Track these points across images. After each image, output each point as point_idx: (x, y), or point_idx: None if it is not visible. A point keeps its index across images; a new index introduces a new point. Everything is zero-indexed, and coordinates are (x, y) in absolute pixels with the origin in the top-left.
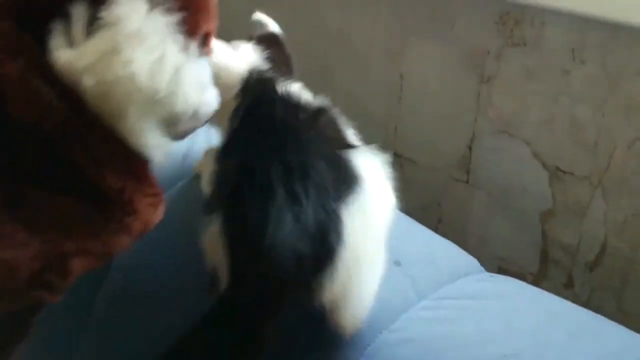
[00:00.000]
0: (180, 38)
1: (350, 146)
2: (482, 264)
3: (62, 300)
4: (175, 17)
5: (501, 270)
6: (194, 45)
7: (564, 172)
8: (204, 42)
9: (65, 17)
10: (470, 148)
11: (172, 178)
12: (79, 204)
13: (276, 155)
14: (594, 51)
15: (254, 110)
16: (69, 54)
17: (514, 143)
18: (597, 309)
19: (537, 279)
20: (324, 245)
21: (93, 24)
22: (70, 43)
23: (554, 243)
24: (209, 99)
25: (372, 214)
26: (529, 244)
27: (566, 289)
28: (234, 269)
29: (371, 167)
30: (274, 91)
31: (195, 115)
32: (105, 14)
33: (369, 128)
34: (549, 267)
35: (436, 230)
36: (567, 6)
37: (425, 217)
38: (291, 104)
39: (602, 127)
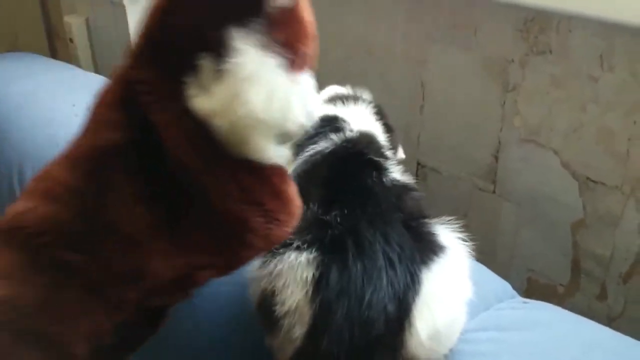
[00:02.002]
0: (286, 71)
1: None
2: (511, 275)
3: None
4: (282, 57)
5: (531, 282)
6: (298, 73)
7: (595, 181)
8: (305, 63)
9: (197, 68)
10: (496, 158)
11: None
12: (214, 229)
13: (377, 224)
14: (622, 57)
15: (349, 171)
16: (202, 100)
17: (542, 152)
18: (631, 321)
19: (569, 291)
20: (404, 305)
21: (218, 72)
22: (202, 90)
23: (585, 254)
24: (313, 110)
25: (451, 279)
26: (559, 255)
27: (599, 300)
28: (320, 320)
29: (450, 239)
30: (372, 162)
31: (303, 127)
32: (227, 64)
33: None
34: (581, 278)
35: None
36: (593, 12)
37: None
38: (385, 180)
39: (633, 135)
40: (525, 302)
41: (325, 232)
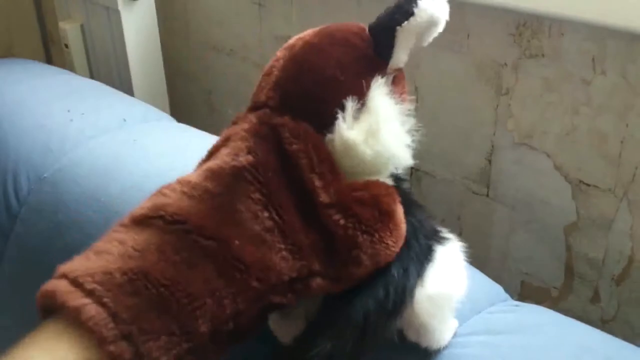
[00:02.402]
0: (404, 119)
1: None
2: (504, 279)
3: None
4: (401, 104)
5: (524, 285)
6: (408, 124)
7: (588, 184)
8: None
9: (343, 107)
10: (489, 161)
11: None
12: (326, 238)
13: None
14: (615, 61)
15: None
16: (351, 133)
17: (535, 156)
18: (625, 324)
19: (562, 294)
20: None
21: (357, 111)
22: (347, 126)
23: (578, 257)
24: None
25: (456, 267)
26: (552, 258)
27: (592, 303)
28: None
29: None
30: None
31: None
32: (368, 104)
33: None
34: (574, 281)
35: None
36: (585, 16)
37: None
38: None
39: (625, 138)
40: (516, 305)
41: None
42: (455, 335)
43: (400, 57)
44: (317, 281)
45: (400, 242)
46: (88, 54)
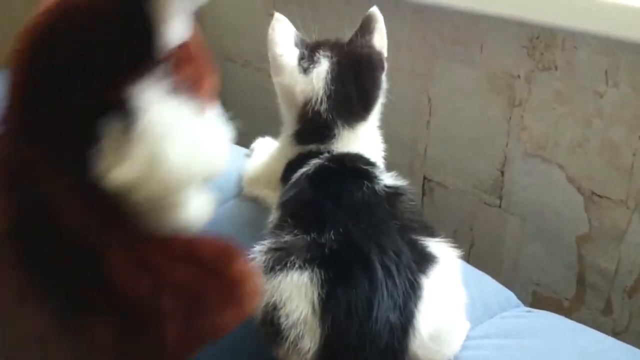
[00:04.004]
0: (198, 113)
1: (425, 231)
2: (516, 289)
3: None
4: (187, 95)
5: (536, 296)
6: (206, 110)
7: (600, 196)
8: (210, 98)
9: (97, 138)
10: (502, 172)
11: None
12: (123, 322)
13: (373, 237)
14: (626, 73)
15: (339, 187)
16: (117, 173)
17: (547, 167)
18: (637, 335)
19: (574, 305)
20: (407, 313)
21: (126, 136)
22: (110, 160)
23: (590, 268)
24: (224, 151)
25: (447, 286)
26: (564, 269)
27: (604, 315)
28: (333, 340)
29: (442, 249)
30: (359, 170)
31: (220, 167)
32: (135, 126)
33: (397, 152)
34: (586, 292)
35: (469, 255)
36: (598, 29)
37: (458, 241)
38: (374, 186)
39: (638, 149)
40: (528, 311)
41: (323, 251)
42: (468, 337)
43: (171, 30)
44: None
45: (240, 310)
46: None
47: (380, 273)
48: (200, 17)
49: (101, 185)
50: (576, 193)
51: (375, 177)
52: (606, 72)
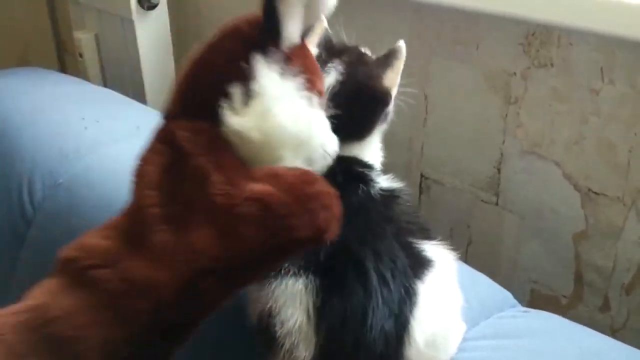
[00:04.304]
0: (305, 95)
1: (422, 234)
2: (514, 287)
3: None
4: (299, 80)
5: (534, 293)
6: (315, 100)
7: (596, 193)
8: (318, 93)
9: (229, 96)
10: (499, 170)
11: None
12: (220, 226)
13: (368, 242)
14: (623, 70)
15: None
16: (237, 120)
17: (544, 164)
18: (634, 332)
19: (572, 302)
20: (402, 320)
21: (247, 96)
22: (236, 113)
23: (588, 265)
24: (332, 141)
25: (443, 291)
26: (562, 266)
27: (602, 312)
28: (329, 349)
29: (438, 252)
30: (356, 173)
31: (325, 155)
32: (254, 87)
33: (394, 150)
34: (583, 290)
35: (466, 253)
36: (594, 26)
37: (455, 239)
38: (371, 191)
39: (634, 147)
40: (525, 311)
41: (318, 257)
42: (465, 339)
43: (291, 29)
44: (210, 282)
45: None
46: (102, 63)
47: (375, 280)
48: (199, 16)
49: (224, 129)
50: (573, 190)
51: (371, 180)
52: (602, 69)
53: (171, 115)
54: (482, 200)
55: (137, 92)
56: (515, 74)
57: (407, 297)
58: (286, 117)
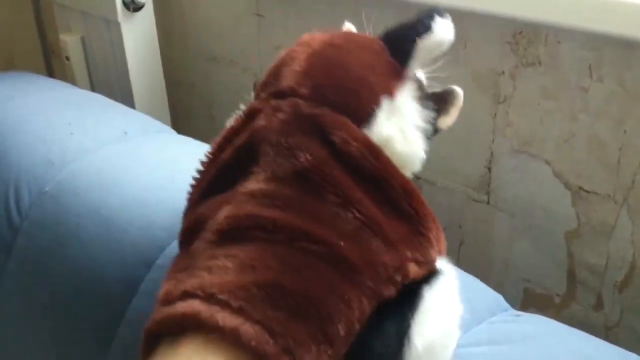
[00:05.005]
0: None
1: None
2: (507, 286)
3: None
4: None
5: (527, 292)
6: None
7: (587, 191)
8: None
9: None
10: (489, 169)
11: None
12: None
13: None
14: (611, 68)
15: None
16: (388, 128)
17: (534, 163)
18: (629, 330)
19: (565, 301)
20: (403, 321)
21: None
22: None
23: (580, 264)
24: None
25: (448, 300)
26: (554, 265)
27: (595, 310)
28: None
29: (444, 264)
30: None
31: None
32: (398, 105)
33: None
34: (576, 288)
35: (459, 253)
36: (581, 24)
37: (447, 239)
38: None
39: (624, 144)
40: (517, 315)
41: None
42: (457, 345)
43: (414, 69)
44: (412, 267)
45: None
46: (89, 66)
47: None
48: (185, 18)
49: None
50: (564, 189)
51: None
52: (590, 66)
53: (296, 95)
54: (473, 200)
55: (124, 95)
56: (503, 72)
57: (411, 299)
58: (416, 141)
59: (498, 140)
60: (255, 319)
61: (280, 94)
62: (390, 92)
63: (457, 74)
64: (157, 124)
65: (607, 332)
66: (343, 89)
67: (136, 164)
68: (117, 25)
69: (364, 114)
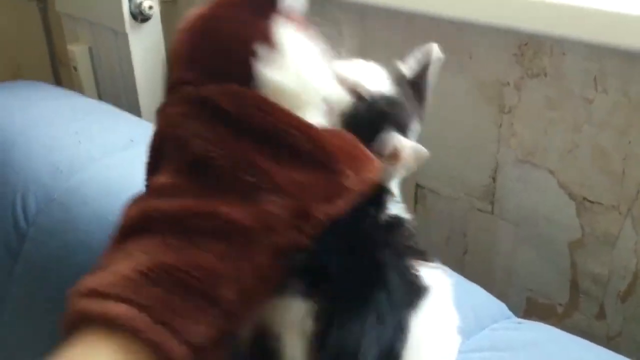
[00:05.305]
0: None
1: (418, 257)
2: (510, 295)
3: None
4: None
5: (530, 302)
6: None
7: (591, 201)
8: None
9: (254, 54)
10: (493, 179)
11: None
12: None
13: (371, 272)
14: (615, 79)
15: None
16: (275, 75)
17: (539, 173)
18: (631, 340)
19: (568, 310)
20: (394, 356)
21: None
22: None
23: (583, 274)
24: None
25: (439, 321)
26: (557, 274)
27: (598, 320)
28: None
29: (436, 278)
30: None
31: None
32: (279, 44)
33: None
34: (579, 298)
35: (463, 262)
36: (586, 36)
37: (451, 248)
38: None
39: (628, 155)
40: (519, 323)
41: (323, 279)
42: (459, 351)
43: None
44: (322, 207)
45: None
46: (96, 75)
47: (373, 318)
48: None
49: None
50: (568, 199)
51: (385, 206)
52: (595, 78)
53: (184, 82)
54: (477, 209)
55: (131, 104)
56: (508, 83)
57: (400, 332)
58: (313, 71)
59: (503, 150)
60: (127, 300)
61: (172, 89)
62: (264, 36)
63: (462, 84)
64: None
65: (609, 342)
66: (217, 56)
67: (143, 171)
68: (125, 36)
69: (245, 72)
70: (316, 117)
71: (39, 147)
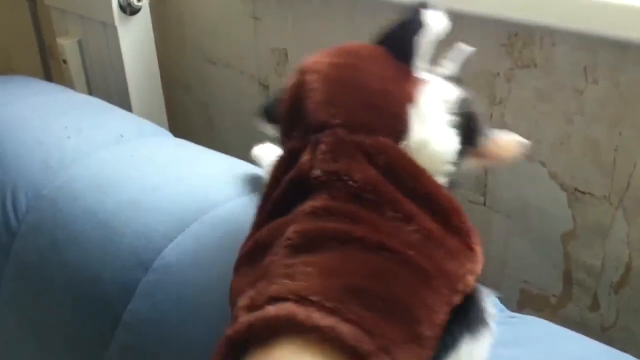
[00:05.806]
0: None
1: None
2: (504, 287)
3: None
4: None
5: (523, 293)
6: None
7: (583, 192)
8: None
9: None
10: (485, 170)
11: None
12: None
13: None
14: (606, 70)
15: None
16: (422, 134)
17: (530, 165)
18: (625, 331)
19: (561, 301)
20: None
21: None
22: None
23: (577, 265)
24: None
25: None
26: (551, 266)
27: (592, 311)
28: None
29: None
30: None
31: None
32: (420, 108)
33: None
34: (573, 289)
35: None
36: (576, 26)
37: None
38: None
39: (619, 146)
40: (512, 317)
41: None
42: None
43: (419, 67)
44: (469, 278)
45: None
46: (86, 69)
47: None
48: (181, 20)
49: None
50: (559, 190)
51: None
52: (585, 69)
53: (331, 126)
54: (469, 201)
55: (122, 97)
56: (498, 74)
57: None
58: (446, 140)
59: None
60: (350, 319)
61: (315, 129)
62: (411, 98)
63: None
64: (154, 127)
65: (603, 333)
66: (371, 109)
67: (132, 167)
68: (114, 28)
69: (399, 129)
70: (441, 178)
71: (29, 142)
